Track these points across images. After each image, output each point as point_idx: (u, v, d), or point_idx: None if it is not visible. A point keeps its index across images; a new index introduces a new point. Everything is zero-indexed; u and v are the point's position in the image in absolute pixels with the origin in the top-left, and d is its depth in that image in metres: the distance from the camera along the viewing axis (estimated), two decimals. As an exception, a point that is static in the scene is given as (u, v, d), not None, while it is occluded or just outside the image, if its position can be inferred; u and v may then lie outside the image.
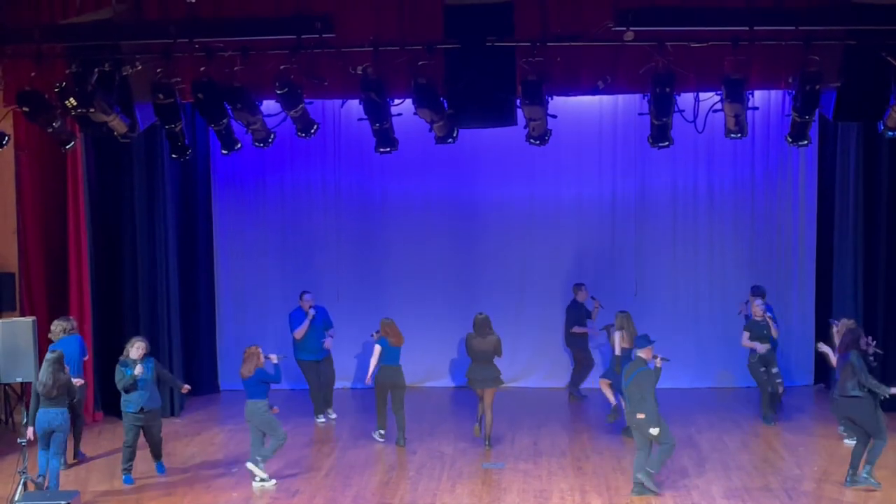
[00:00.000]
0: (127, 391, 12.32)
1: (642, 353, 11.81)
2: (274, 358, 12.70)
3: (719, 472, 12.56)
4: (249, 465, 12.48)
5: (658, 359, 11.87)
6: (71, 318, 13.73)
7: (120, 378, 12.31)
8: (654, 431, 11.50)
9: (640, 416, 11.58)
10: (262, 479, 12.39)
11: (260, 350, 12.60)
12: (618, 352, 14.10)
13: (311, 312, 14.87)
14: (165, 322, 15.41)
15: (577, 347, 16.36)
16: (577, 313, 16.24)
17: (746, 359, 14.66)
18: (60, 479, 11.94)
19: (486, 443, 13.75)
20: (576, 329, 16.23)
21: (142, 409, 12.41)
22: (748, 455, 13.27)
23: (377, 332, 14.02)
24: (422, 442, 14.03)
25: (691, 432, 14.31)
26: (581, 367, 16.38)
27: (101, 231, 15.43)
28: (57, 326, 13.32)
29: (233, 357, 17.14)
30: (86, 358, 13.80)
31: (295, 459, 13.45)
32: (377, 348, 13.89)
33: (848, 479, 11.86)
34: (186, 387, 13.18)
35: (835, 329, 13.90)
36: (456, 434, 14.41)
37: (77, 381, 12.47)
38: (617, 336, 14.10)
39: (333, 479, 12.65)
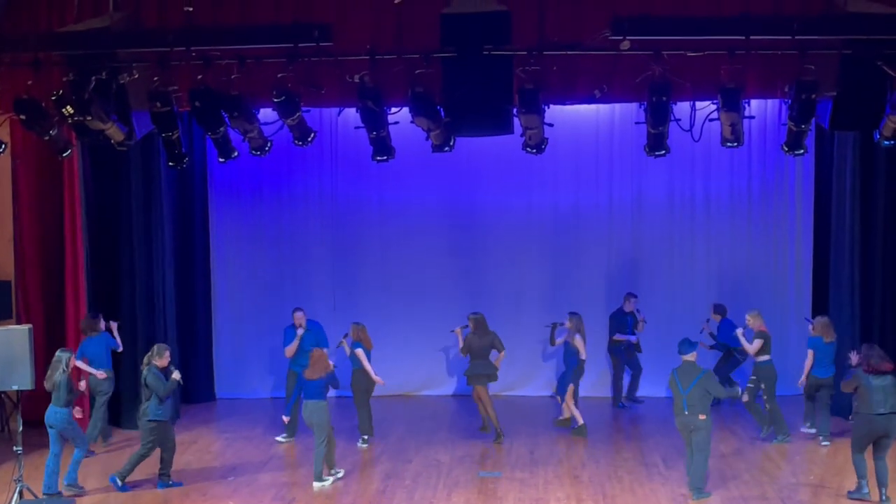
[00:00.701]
0: (163, 400, 12.37)
1: (691, 358, 12.03)
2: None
3: (716, 481, 12.54)
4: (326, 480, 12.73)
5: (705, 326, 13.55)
6: (96, 316, 14.33)
7: (162, 386, 12.28)
8: (703, 417, 11.85)
9: (703, 417, 11.80)
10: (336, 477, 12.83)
11: (326, 353, 13.03)
12: (584, 356, 14.48)
13: (300, 331, 14.51)
14: (162, 330, 15.39)
15: (618, 355, 16.37)
16: (620, 321, 16.25)
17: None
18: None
19: (497, 438, 14.26)
20: (618, 336, 16.23)
21: (171, 417, 12.80)
22: (744, 464, 13.26)
23: (346, 335, 14.09)
24: (418, 450, 14.02)
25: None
26: (621, 373, 16.47)
27: (97, 239, 15.41)
28: (83, 325, 14.29)
29: (229, 366, 17.18)
30: (119, 350, 14.40)
31: (290, 468, 13.44)
32: (360, 352, 13.97)
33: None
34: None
35: (811, 327, 14.12)
36: (452, 442, 14.40)
37: (100, 375, 12.96)
38: (579, 340, 14.47)
39: (331, 488, 12.63)
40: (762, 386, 14.17)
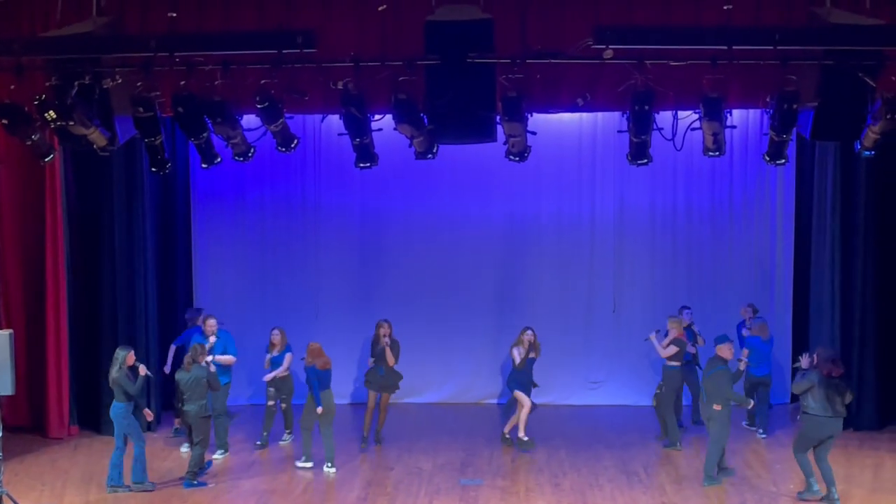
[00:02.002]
0: (131, 397, 12.71)
1: (719, 351, 12.73)
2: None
3: (697, 489, 12.58)
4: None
5: (742, 361, 13.66)
6: (197, 308, 15.42)
7: (131, 385, 12.63)
8: (717, 407, 12.54)
9: (717, 407, 12.52)
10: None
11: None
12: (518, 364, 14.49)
13: (212, 339, 14.39)
14: (143, 335, 15.34)
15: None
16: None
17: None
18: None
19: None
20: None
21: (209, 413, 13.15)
22: (727, 477, 13.29)
23: (303, 357, 13.88)
24: (399, 458, 14.02)
25: (669, 449, 14.36)
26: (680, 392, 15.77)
27: (79, 244, 15.37)
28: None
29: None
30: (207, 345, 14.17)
31: (272, 476, 13.41)
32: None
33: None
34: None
35: (745, 330, 15.07)
36: (434, 450, 14.40)
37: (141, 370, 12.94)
38: (516, 351, 14.48)
39: (311, 495, 12.63)
40: (660, 389, 14.76)
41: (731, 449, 14.18)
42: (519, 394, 14.39)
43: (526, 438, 14.25)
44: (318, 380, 13.47)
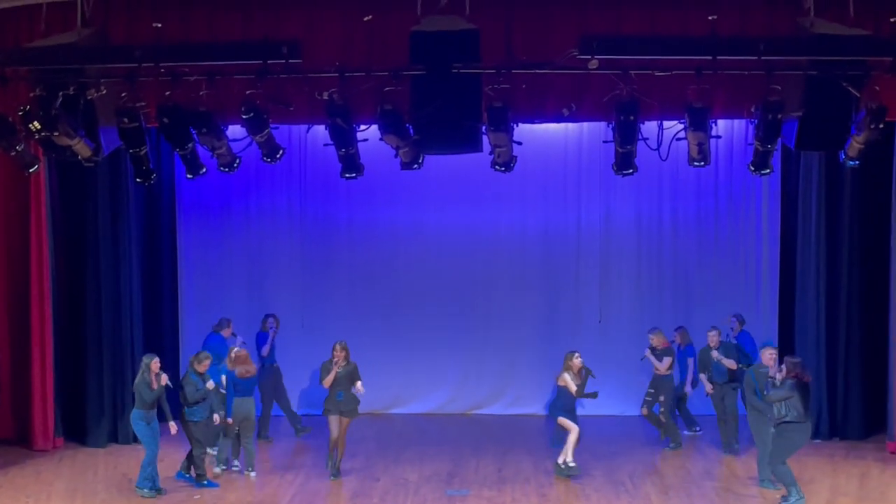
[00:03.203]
0: (194, 404, 13.00)
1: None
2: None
3: (683, 499, 12.59)
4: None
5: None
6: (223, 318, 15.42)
7: (195, 391, 12.97)
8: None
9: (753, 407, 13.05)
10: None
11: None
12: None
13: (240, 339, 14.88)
14: (129, 345, 15.29)
15: None
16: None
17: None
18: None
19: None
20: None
21: (206, 418, 13.16)
22: (711, 482, 13.32)
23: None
24: (386, 469, 13.99)
25: (655, 459, 14.37)
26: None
27: (64, 255, 15.31)
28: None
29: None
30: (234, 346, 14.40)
31: (258, 486, 13.37)
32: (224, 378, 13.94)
33: None
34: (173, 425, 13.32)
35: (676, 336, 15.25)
36: (420, 461, 14.37)
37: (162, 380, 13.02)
38: (568, 376, 13.88)
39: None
40: (661, 398, 14.97)
41: (717, 460, 14.25)
42: (565, 421, 13.72)
43: (573, 464, 13.61)
44: (234, 386, 13.56)
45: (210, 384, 13.15)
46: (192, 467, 13.26)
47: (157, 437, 12.83)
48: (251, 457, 13.72)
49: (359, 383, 13.59)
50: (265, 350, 15.49)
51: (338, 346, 13.59)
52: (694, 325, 16.23)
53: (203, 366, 13.12)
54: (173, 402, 13.22)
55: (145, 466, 12.75)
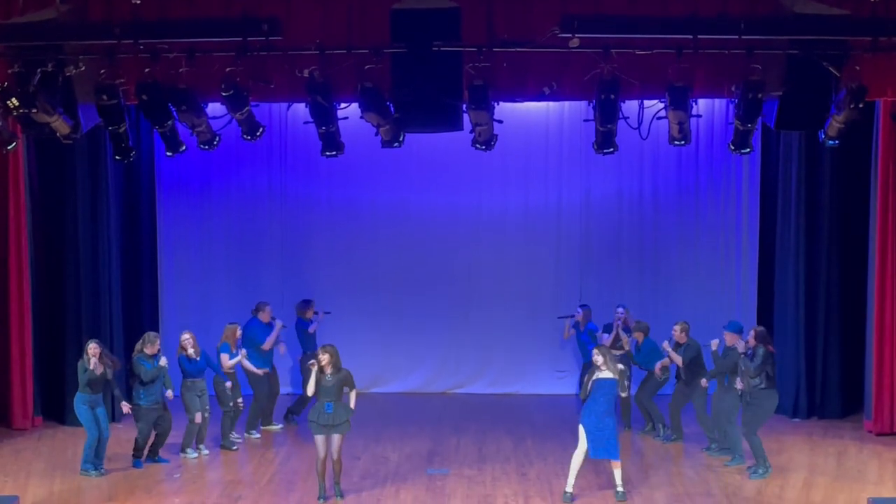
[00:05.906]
0: (146, 384, 12.95)
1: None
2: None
3: (663, 479, 12.64)
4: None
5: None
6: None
7: (142, 371, 12.89)
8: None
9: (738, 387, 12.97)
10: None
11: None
12: None
13: (279, 323, 14.89)
14: (108, 326, 15.22)
15: None
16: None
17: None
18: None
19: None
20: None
21: (157, 401, 13.06)
22: (691, 462, 13.37)
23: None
24: (366, 448, 14.00)
25: (636, 440, 14.41)
26: None
27: (42, 233, 15.24)
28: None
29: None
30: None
31: (238, 466, 13.37)
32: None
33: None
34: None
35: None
36: (401, 440, 14.39)
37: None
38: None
39: (277, 485, 12.58)
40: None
41: (697, 441, 14.30)
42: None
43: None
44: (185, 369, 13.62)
45: (163, 361, 13.05)
46: (159, 451, 13.29)
47: (102, 422, 12.78)
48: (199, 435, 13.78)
49: (352, 395, 11.89)
50: (312, 328, 15.38)
51: (319, 351, 11.72)
52: (674, 305, 16.31)
53: (152, 348, 13.04)
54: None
55: (86, 449, 12.75)
